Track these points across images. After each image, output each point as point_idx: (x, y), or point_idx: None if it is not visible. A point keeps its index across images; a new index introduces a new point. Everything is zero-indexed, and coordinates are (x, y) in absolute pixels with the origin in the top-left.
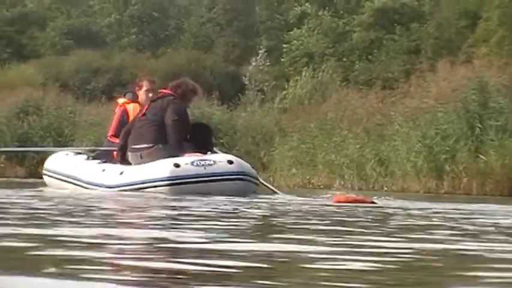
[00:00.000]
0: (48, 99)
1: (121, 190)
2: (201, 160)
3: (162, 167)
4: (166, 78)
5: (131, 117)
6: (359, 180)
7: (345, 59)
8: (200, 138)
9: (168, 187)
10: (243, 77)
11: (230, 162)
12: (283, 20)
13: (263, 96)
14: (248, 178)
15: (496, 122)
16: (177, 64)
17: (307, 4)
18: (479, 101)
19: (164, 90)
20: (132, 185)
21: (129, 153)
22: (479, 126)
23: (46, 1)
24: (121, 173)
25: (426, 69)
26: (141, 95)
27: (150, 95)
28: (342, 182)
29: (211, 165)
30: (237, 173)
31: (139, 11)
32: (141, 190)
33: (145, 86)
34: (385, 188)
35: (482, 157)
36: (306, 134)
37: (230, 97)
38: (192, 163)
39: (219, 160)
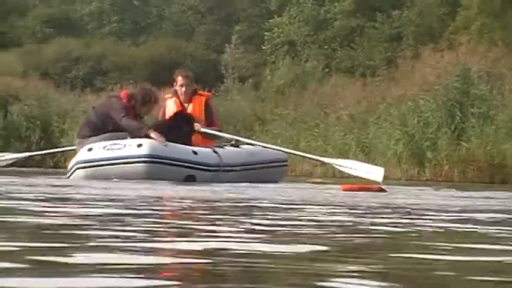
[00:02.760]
0: (29, 89)
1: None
2: (113, 144)
3: (80, 152)
4: (147, 66)
5: (167, 113)
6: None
7: (326, 47)
8: (180, 129)
9: (81, 170)
10: (220, 65)
11: (139, 145)
12: (264, 8)
13: (241, 84)
14: (159, 161)
15: (477, 109)
16: (158, 52)
17: None
18: (461, 88)
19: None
20: (68, 171)
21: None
22: (459, 114)
23: None
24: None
25: (408, 56)
26: (177, 90)
27: (184, 89)
28: (323, 170)
29: (120, 148)
30: (144, 156)
31: None
32: (71, 175)
33: (179, 81)
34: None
35: (464, 144)
36: (287, 121)
37: (211, 85)
38: (104, 147)
39: (129, 144)
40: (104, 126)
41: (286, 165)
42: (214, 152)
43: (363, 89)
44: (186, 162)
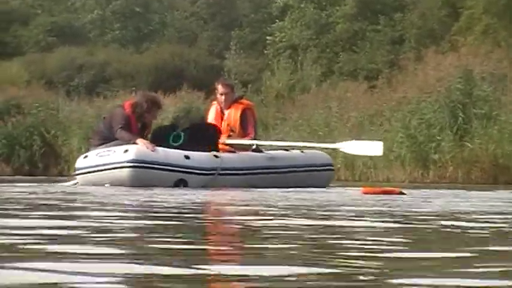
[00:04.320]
0: (31, 98)
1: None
2: (105, 151)
3: (79, 159)
4: (150, 73)
5: (209, 118)
6: (345, 171)
7: (328, 50)
8: (204, 138)
9: (79, 176)
10: (222, 71)
11: (125, 151)
12: (266, 13)
13: (244, 89)
14: (144, 166)
15: (480, 110)
16: (161, 59)
17: None
18: (463, 90)
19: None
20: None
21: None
22: (462, 115)
23: None
24: None
25: (411, 59)
26: (218, 98)
27: (224, 97)
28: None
29: (109, 155)
30: (129, 161)
31: (122, 6)
32: (71, 181)
33: (219, 89)
34: (371, 179)
35: (469, 145)
36: (290, 125)
37: (215, 91)
38: (97, 154)
39: (117, 150)
40: (110, 135)
41: (331, 169)
42: (215, 156)
43: (366, 92)
44: (176, 167)
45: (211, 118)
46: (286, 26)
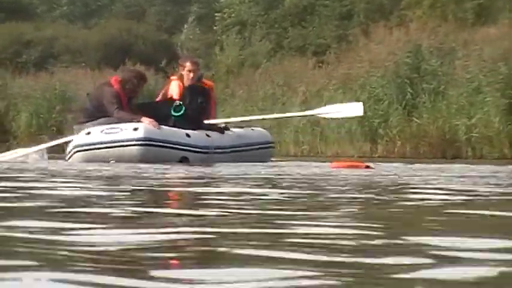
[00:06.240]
0: None
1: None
2: (110, 128)
3: (78, 136)
4: (99, 48)
5: (170, 94)
6: (295, 147)
7: (277, 26)
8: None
9: (80, 153)
10: (175, 46)
11: (135, 129)
12: None
13: None
14: (153, 143)
15: (429, 84)
16: (110, 34)
17: None
18: (412, 64)
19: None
20: (69, 152)
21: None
22: (410, 90)
23: None
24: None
25: (359, 34)
26: (184, 75)
27: (191, 75)
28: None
29: (117, 132)
30: (139, 139)
31: None
32: (69, 158)
33: (187, 66)
34: (320, 154)
35: (416, 120)
36: (240, 101)
37: (164, 66)
38: (102, 131)
39: (125, 128)
40: (98, 112)
41: (273, 147)
42: (206, 135)
43: (315, 67)
44: (180, 145)
45: (175, 94)
46: (235, 1)
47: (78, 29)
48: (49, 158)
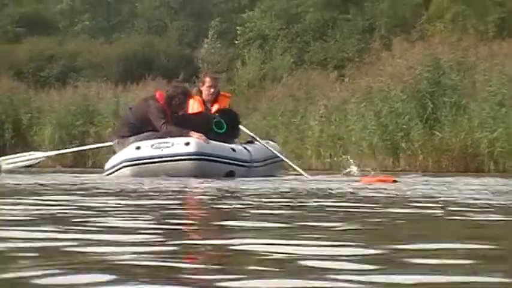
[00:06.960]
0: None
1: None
2: (161, 143)
3: (126, 150)
4: (121, 63)
5: (193, 110)
6: (316, 160)
7: (298, 40)
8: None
9: (128, 168)
10: (196, 60)
11: (187, 143)
12: (236, 2)
13: None
14: (205, 158)
15: (449, 98)
16: (131, 49)
17: None
18: (432, 78)
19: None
20: (109, 169)
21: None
22: (431, 105)
23: None
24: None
25: (381, 48)
26: (204, 90)
27: (212, 90)
28: (299, 162)
29: (168, 147)
30: (192, 154)
31: None
32: (114, 172)
33: (207, 82)
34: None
35: (438, 133)
36: (261, 115)
37: (185, 81)
38: (152, 146)
39: (177, 142)
40: (142, 127)
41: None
42: (245, 148)
43: (337, 81)
44: (227, 159)
45: (195, 109)
46: (256, 16)
47: (100, 43)
48: (33, 173)
